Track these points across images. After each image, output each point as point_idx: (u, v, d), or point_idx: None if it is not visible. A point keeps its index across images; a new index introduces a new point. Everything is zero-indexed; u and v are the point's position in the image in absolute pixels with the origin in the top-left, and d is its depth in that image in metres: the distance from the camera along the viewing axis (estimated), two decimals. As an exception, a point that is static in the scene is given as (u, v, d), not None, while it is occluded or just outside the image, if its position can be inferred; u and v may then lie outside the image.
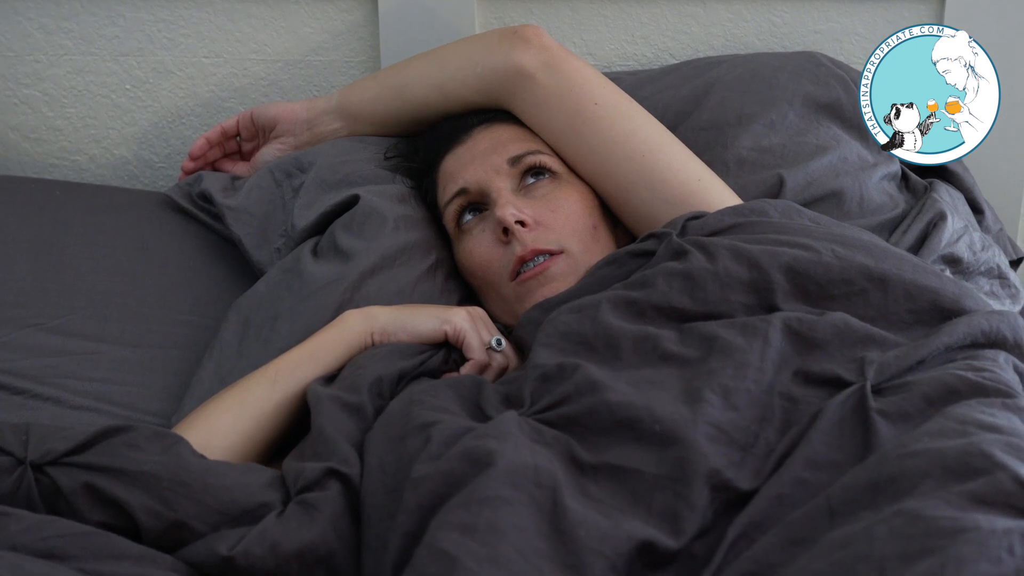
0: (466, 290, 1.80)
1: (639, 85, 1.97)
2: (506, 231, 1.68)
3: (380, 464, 1.41)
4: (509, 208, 1.68)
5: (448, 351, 1.64)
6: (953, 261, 1.79)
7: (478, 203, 1.75)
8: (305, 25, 2.12)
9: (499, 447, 1.31)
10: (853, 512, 1.20)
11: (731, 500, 1.31)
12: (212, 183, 1.95)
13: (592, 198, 1.76)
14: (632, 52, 2.12)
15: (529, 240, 1.67)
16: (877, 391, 1.36)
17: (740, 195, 1.77)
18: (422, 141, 1.88)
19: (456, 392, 1.49)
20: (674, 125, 1.88)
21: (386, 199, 1.80)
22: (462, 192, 1.75)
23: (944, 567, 1.09)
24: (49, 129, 2.20)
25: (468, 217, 1.75)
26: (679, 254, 1.55)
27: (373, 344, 1.63)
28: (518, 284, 1.68)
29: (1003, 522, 1.12)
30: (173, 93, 2.17)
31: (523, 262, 1.67)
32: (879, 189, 1.86)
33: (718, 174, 1.79)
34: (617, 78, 1.99)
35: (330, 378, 1.59)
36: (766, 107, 1.91)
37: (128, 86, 2.17)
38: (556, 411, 1.41)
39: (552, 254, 1.67)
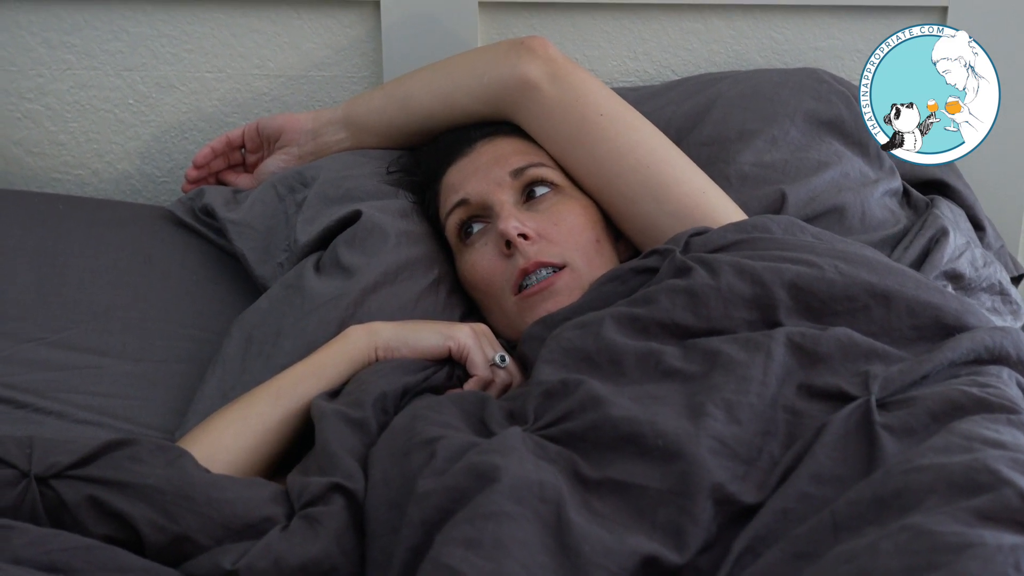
0: (469, 305, 1.79)
1: (641, 101, 1.98)
2: (508, 244, 1.68)
3: (384, 478, 1.41)
4: (512, 221, 1.68)
5: (452, 367, 1.64)
6: (955, 277, 1.79)
7: (480, 215, 1.75)
8: (308, 40, 2.13)
9: (504, 462, 1.31)
10: (858, 527, 1.20)
11: (735, 514, 1.31)
12: (214, 197, 1.95)
13: (594, 212, 1.76)
14: (634, 68, 2.12)
15: (532, 252, 1.67)
16: (881, 405, 1.36)
17: (742, 210, 1.77)
18: (424, 154, 1.88)
19: (460, 408, 1.49)
20: (676, 140, 1.88)
21: (388, 214, 1.80)
22: (463, 203, 1.75)
23: None
24: (52, 143, 2.20)
25: (471, 230, 1.75)
26: (682, 271, 1.55)
27: (377, 360, 1.63)
28: (521, 299, 1.67)
29: (1009, 538, 1.12)
30: (176, 108, 2.17)
31: (525, 274, 1.67)
32: (881, 205, 1.87)
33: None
34: (619, 93, 1.99)
35: (333, 393, 1.59)
36: (768, 123, 1.91)
37: (131, 101, 2.17)
38: (559, 427, 1.41)
39: (556, 268, 1.67)
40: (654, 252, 1.62)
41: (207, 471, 1.44)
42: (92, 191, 2.21)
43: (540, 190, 1.74)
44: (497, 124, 1.84)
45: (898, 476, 1.23)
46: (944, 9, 2.04)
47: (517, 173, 1.74)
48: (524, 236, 1.67)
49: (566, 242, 1.69)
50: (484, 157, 1.78)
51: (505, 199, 1.72)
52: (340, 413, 1.51)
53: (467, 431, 1.44)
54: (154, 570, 1.35)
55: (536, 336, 1.60)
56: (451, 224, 1.77)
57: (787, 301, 1.50)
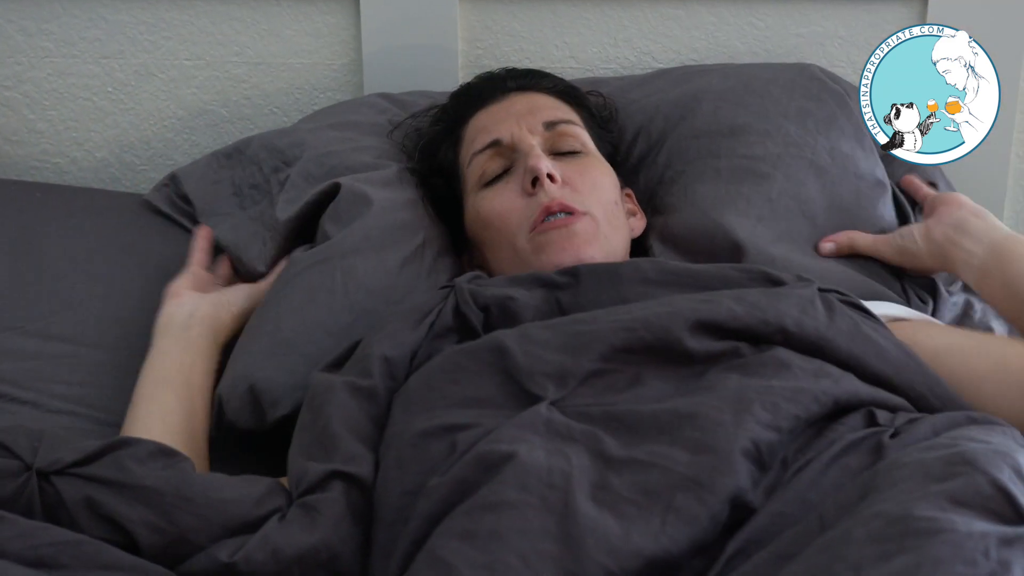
0: (455, 271, 1.77)
1: (626, 88, 1.97)
2: (534, 183, 1.66)
3: (399, 461, 1.39)
4: (543, 160, 1.67)
5: (449, 302, 1.57)
6: None
7: (507, 158, 1.72)
8: (287, 27, 2.12)
9: (511, 449, 1.30)
10: (841, 524, 1.19)
11: (741, 518, 1.29)
12: (192, 184, 1.95)
13: (615, 180, 1.75)
14: (614, 55, 2.12)
15: (556, 193, 1.65)
16: (894, 434, 1.34)
17: (733, 205, 1.79)
18: (454, 98, 1.86)
19: (479, 369, 1.44)
20: (665, 129, 1.88)
21: (369, 184, 1.79)
22: (495, 143, 1.73)
23: (920, 566, 1.09)
24: (30, 132, 2.19)
25: (497, 174, 1.72)
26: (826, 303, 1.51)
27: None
28: (537, 233, 1.64)
29: (981, 525, 1.12)
30: (155, 96, 2.17)
31: (548, 212, 1.64)
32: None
33: (710, 182, 1.81)
34: (603, 82, 1.99)
35: (336, 363, 1.55)
36: (760, 119, 1.89)
37: (110, 89, 2.16)
38: (601, 408, 1.39)
39: (576, 213, 1.65)
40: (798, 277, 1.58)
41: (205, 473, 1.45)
42: (71, 179, 2.20)
43: (568, 146, 1.73)
44: (533, 79, 1.83)
45: (881, 474, 1.22)
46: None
47: (550, 125, 1.74)
48: (551, 178, 1.66)
49: (590, 194, 1.68)
50: (518, 105, 1.77)
51: (535, 142, 1.71)
52: (349, 384, 1.48)
53: (492, 400, 1.41)
54: (142, 567, 1.34)
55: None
56: (477, 162, 1.74)
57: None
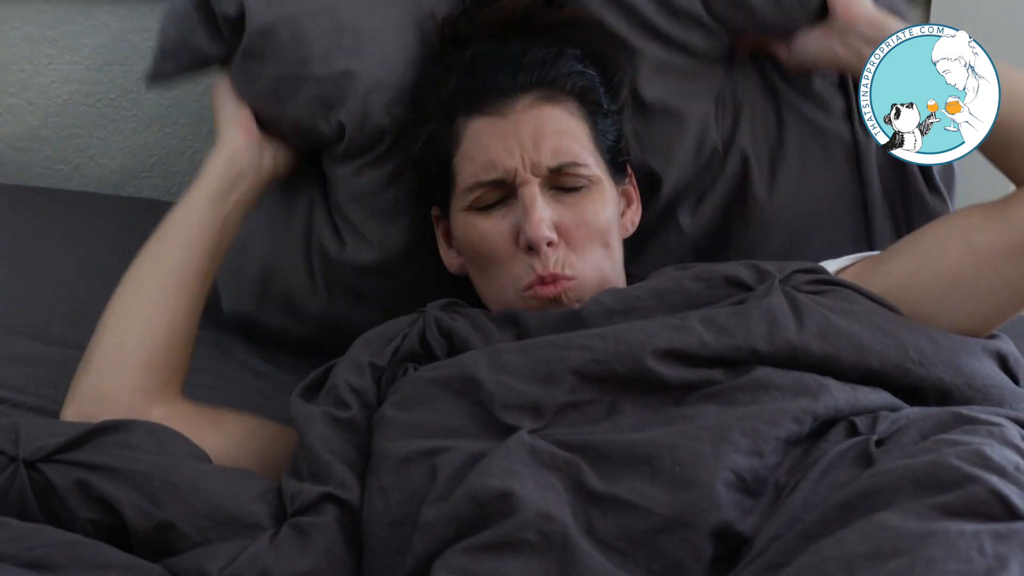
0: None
1: None
2: (530, 247, 1.58)
3: (382, 490, 1.39)
4: (542, 229, 1.57)
5: (419, 323, 1.57)
6: None
7: (504, 189, 1.62)
8: (289, 34, 2.12)
9: (505, 486, 1.29)
10: (827, 532, 1.19)
11: (734, 547, 1.29)
12: None
13: (615, 208, 1.66)
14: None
15: (552, 261, 1.58)
16: (880, 442, 1.34)
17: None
18: (458, 78, 1.68)
19: (452, 399, 1.45)
20: None
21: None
22: (498, 183, 1.61)
23: (914, 567, 1.09)
24: (33, 138, 2.20)
25: (491, 203, 1.62)
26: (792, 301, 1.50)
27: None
28: (530, 297, 1.59)
29: (971, 526, 1.13)
30: (158, 102, 2.17)
31: (542, 281, 1.58)
32: None
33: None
34: None
35: (312, 386, 1.55)
36: None
37: (112, 95, 2.17)
38: (580, 436, 1.38)
39: (567, 279, 1.59)
40: (755, 267, 1.57)
41: (199, 459, 1.45)
42: (74, 186, 2.21)
43: (571, 184, 1.61)
44: (545, 71, 1.65)
45: (865, 480, 1.23)
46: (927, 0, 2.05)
47: (556, 170, 1.61)
48: (549, 243, 1.58)
49: (584, 248, 1.60)
50: (524, 129, 1.61)
51: (536, 191, 1.59)
52: (327, 415, 1.48)
53: (468, 430, 1.41)
54: (138, 565, 1.35)
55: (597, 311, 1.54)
56: (474, 193, 1.62)
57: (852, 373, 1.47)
